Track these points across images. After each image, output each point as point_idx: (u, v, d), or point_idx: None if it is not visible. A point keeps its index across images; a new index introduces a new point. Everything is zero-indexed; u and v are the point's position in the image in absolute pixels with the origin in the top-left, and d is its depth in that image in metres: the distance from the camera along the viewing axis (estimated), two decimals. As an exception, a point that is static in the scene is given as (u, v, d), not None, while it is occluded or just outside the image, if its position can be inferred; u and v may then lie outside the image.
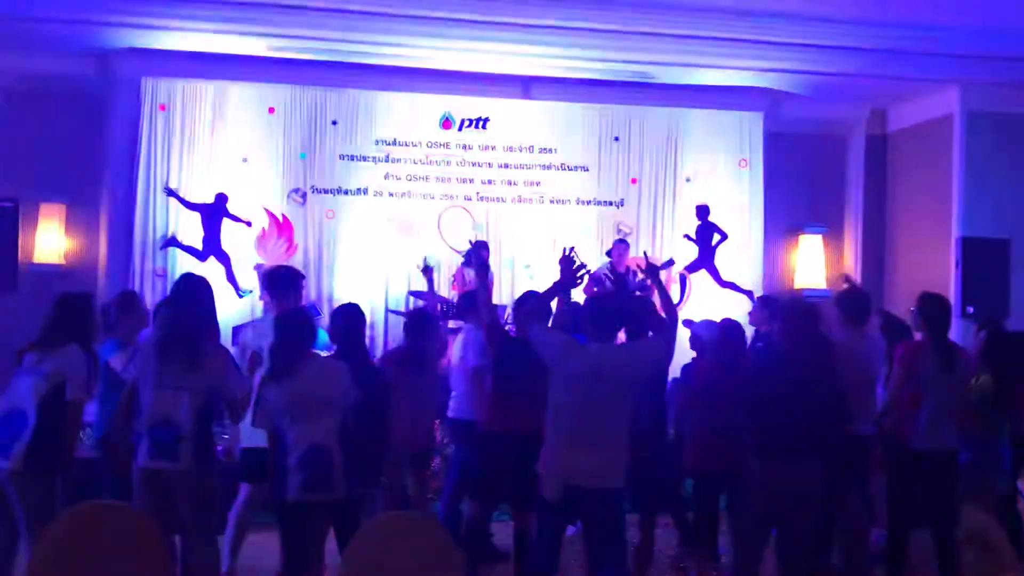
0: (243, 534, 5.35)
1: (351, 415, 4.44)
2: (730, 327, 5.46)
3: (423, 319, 5.92)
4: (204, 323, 4.47)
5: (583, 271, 4.89)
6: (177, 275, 9.02)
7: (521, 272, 9.97)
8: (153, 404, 4.32)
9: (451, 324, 8.70)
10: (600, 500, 4.28)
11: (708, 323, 5.89)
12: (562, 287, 4.92)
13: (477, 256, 5.27)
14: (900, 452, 5.24)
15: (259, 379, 4.64)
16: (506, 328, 5.82)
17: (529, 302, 5.22)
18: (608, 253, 9.42)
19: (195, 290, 4.57)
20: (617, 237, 9.65)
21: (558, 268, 4.82)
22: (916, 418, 5.18)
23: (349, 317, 5.05)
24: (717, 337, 5.40)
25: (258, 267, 9.43)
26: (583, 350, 4.36)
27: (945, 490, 5.18)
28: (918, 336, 5.43)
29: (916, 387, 5.19)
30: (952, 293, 8.87)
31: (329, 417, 4.34)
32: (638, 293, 7.78)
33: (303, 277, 5.53)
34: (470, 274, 8.98)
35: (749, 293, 9.93)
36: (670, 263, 9.60)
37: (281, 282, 5.31)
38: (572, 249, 4.86)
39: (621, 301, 4.78)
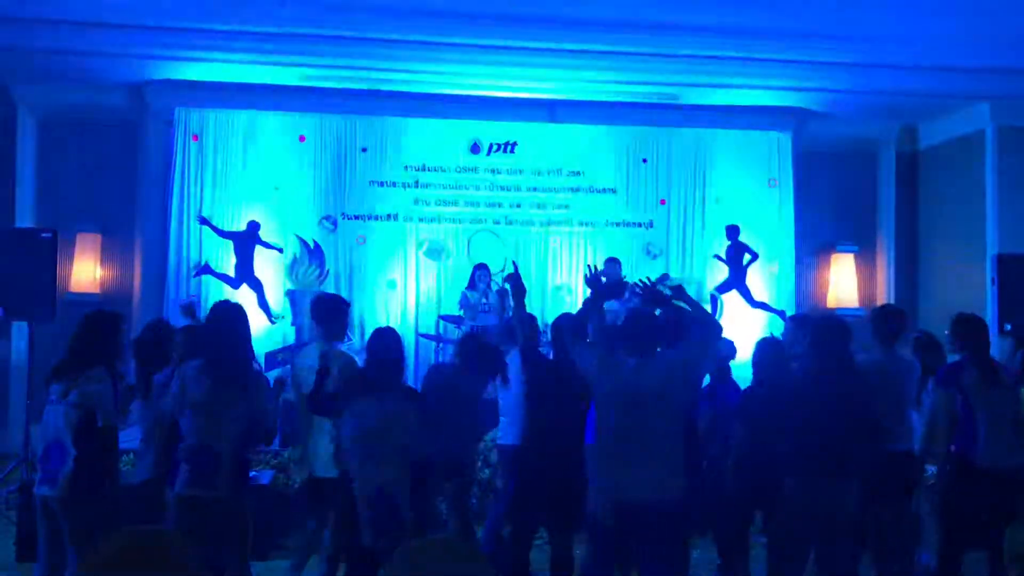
0: (308, 556, 5.35)
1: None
2: (764, 345, 5.47)
3: (473, 341, 5.92)
4: (242, 350, 4.50)
5: (624, 283, 4.90)
6: (210, 302, 9.19)
7: (551, 295, 9.97)
8: (192, 431, 4.35)
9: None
10: (653, 514, 4.20)
11: (725, 342, 5.86)
12: (598, 299, 4.90)
13: (514, 277, 5.28)
14: (961, 471, 5.14)
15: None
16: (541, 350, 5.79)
17: (565, 322, 5.20)
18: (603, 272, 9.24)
19: (232, 317, 4.59)
20: (608, 256, 9.40)
21: (589, 287, 4.80)
22: (975, 437, 5.08)
23: (386, 342, 5.02)
24: (755, 357, 5.39)
25: (290, 293, 9.53)
26: (621, 366, 4.34)
27: (1007, 509, 5.07)
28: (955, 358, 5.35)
29: (964, 406, 5.12)
30: (988, 311, 8.74)
31: (398, 457, 4.34)
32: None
33: (349, 305, 5.54)
34: (473, 297, 9.03)
35: (781, 313, 9.86)
36: (664, 277, 9.48)
37: (328, 310, 5.35)
38: (594, 267, 4.86)
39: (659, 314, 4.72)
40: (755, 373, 5.42)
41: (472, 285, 9.19)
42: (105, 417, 4.43)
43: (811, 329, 4.89)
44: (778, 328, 8.38)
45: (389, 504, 4.25)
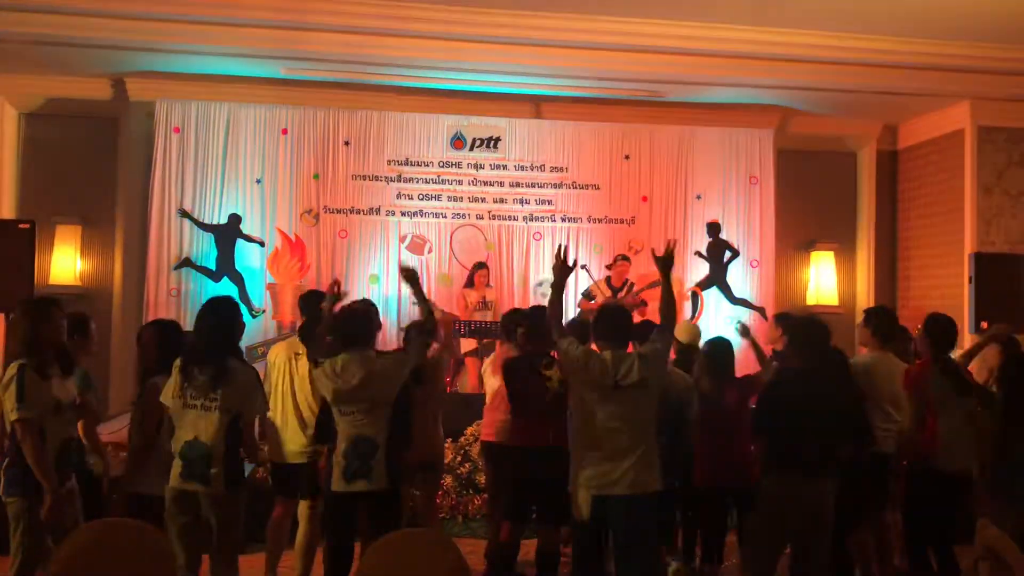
0: (281, 549, 5.39)
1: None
2: (715, 346, 5.53)
3: (421, 330, 5.92)
4: (226, 342, 4.51)
5: (573, 262, 4.88)
6: (191, 296, 9.20)
7: (534, 290, 9.99)
8: (183, 425, 4.36)
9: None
10: (628, 506, 4.28)
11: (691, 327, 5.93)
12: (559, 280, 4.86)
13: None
14: (922, 472, 5.16)
15: None
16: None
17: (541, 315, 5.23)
18: (608, 267, 9.50)
19: (216, 310, 4.62)
20: (619, 254, 9.63)
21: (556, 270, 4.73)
22: (935, 437, 5.09)
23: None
24: (704, 356, 5.47)
25: (271, 286, 9.52)
26: (599, 358, 4.38)
27: (961, 510, 5.13)
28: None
29: (928, 408, 5.13)
30: (966, 309, 8.85)
31: (378, 411, 4.47)
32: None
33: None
34: (470, 296, 9.07)
35: (761, 310, 9.93)
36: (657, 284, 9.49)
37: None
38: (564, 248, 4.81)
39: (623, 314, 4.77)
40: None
41: (469, 283, 9.24)
42: (10, 411, 4.27)
43: (792, 328, 4.91)
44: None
45: (366, 449, 4.37)
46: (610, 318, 4.61)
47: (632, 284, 9.29)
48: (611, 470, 4.28)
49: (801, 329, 4.85)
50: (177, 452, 4.36)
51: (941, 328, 5.27)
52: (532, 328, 5.32)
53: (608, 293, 9.05)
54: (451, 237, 9.96)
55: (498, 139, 10.04)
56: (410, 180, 9.91)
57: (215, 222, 9.46)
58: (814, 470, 4.49)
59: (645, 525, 4.34)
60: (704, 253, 10.11)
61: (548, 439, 5.00)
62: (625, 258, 9.47)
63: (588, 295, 9.00)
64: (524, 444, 5.17)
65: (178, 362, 4.46)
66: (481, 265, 9.43)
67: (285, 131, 9.72)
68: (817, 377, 4.62)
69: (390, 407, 4.50)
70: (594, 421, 4.34)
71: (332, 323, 4.63)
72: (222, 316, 4.58)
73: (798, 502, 4.48)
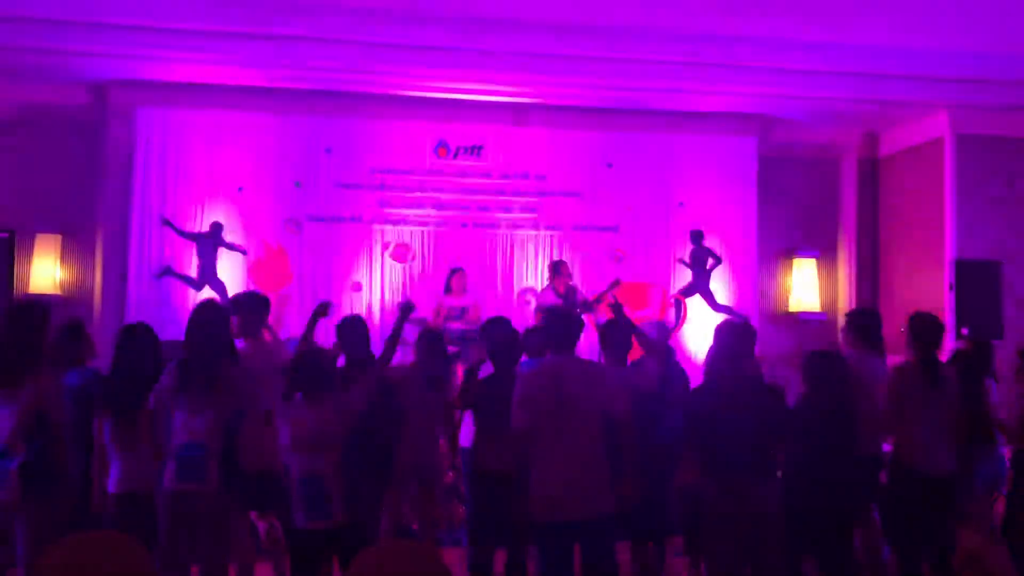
0: (253, 562, 5.32)
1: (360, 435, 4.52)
2: None
3: (434, 338, 5.90)
4: (221, 345, 4.55)
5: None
6: (172, 304, 9.14)
7: (517, 298, 9.99)
8: (179, 427, 4.36)
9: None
10: (587, 529, 4.27)
11: (660, 325, 5.91)
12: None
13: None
14: (901, 473, 5.21)
15: None
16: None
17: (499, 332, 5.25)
18: (551, 277, 9.35)
19: (208, 315, 4.63)
20: (558, 259, 9.52)
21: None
22: (912, 438, 5.15)
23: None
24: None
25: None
26: (541, 365, 4.37)
27: (941, 511, 5.15)
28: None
29: (907, 407, 5.17)
30: (946, 315, 8.90)
31: (330, 450, 4.40)
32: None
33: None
34: (448, 302, 9.02)
35: (744, 316, 9.97)
36: (615, 283, 9.43)
37: (250, 305, 5.52)
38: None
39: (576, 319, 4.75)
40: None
41: (447, 289, 9.20)
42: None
43: (715, 334, 4.87)
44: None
45: (319, 487, 4.32)
46: (556, 324, 4.56)
47: (575, 288, 9.26)
48: (565, 491, 4.23)
49: (718, 333, 4.81)
50: (173, 453, 4.36)
51: (924, 326, 5.32)
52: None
53: (558, 302, 8.99)
54: (434, 245, 9.94)
55: (481, 147, 10.05)
56: (393, 188, 9.89)
57: (197, 230, 9.41)
58: (747, 472, 4.44)
59: (603, 547, 4.31)
60: (687, 260, 10.14)
61: (503, 462, 4.79)
62: (563, 263, 9.34)
63: (543, 308, 8.94)
64: (500, 467, 5.01)
65: (174, 366, 4.46)
66: (457, 269, 9.37)
67: (267, 139, 9.68)
68: (735, 381, 4.58)
69: (338, 447, 4.45)
70: (543, 435, 4.29)
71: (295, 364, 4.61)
72: (215, 320, 4.62)
73: (740, 504, 4.44)
